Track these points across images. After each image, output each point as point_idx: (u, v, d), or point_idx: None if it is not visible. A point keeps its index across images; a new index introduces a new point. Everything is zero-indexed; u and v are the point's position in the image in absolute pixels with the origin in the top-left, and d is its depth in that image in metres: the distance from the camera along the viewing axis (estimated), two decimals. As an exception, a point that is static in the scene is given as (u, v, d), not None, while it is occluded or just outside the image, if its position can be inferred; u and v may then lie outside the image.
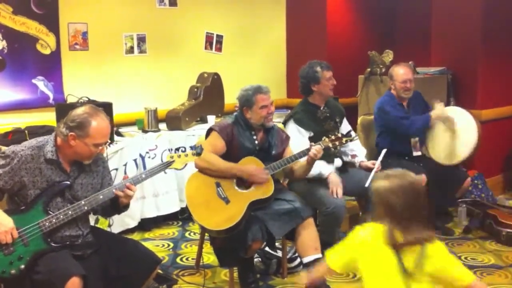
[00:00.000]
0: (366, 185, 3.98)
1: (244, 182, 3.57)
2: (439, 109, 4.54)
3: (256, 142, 3.71)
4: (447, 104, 5.32)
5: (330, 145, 3.66)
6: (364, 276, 2.36)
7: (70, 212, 2.78)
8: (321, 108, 4.20)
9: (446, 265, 2.32)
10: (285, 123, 4.21)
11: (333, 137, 3.69)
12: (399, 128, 4.50)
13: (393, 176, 2.34)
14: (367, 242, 2.35)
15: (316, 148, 3.56)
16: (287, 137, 3.90)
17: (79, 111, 2.84)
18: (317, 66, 4.15)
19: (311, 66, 4.18)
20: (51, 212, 2.77)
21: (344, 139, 3.72)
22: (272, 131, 3.79)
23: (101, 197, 2.85)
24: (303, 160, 3.66)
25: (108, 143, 2.96)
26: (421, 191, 2.32)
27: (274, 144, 3.76)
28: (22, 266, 2.66)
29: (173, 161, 3.03)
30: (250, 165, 3.56)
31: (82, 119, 2.80)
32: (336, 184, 3.88)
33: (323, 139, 3.69)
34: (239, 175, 3.54)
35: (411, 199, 2.28)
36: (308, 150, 3.58)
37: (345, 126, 4.34)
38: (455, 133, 4.50)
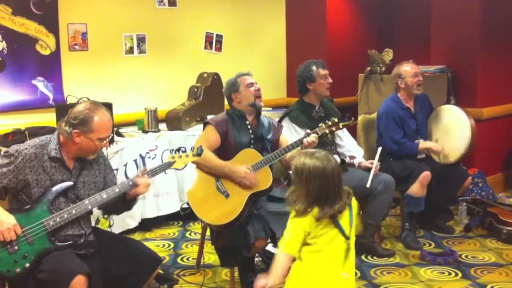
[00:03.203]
0: (368, 185, 3.99)
1: None
2: (433, 145, 4.57)
3: (251, 131, 3.72)
4: (447, 102, 5.33)
5: (327, 131, 3.66)
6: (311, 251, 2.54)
7: (74, 211, 2.80)
8: (316, 108, 4.22)
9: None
10: (280, 120, 4.22)
11: (329, 122, 3.69)
12: (387, 147, 4.47)
13: (317, 158, 2.55)
14: (309, 219, 2.52)
15: (312, 138, 3.57)
16: (280, 126, 3.93)
17: (80, 107, 2.88)
18: (313, 65, 4.19)
19: (306, 65, 4.23)
20: (54, 211, 2.79)
21: (341, 124, 3.70)
22: (262, 120, 3.81)
23: (105, 196, 2.88)
24: (295, 151, 3.67)
25: (110, 137, 2.97)
26: (336, 176, 2.55)
27: (268, 132, 3.78)
28: (27, 265, 2.68)
29: (174, 161, 3.05)
30: (242, 166, 3.53)
31: (84, 115, 2.84)
32: None
33: (320, 125, 3.69)
34: (230, 176, 3.52)
35: (330, 183, 2.52)
36: (304, 138, 3.58)
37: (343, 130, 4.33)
38: (450, 132, 4.52)
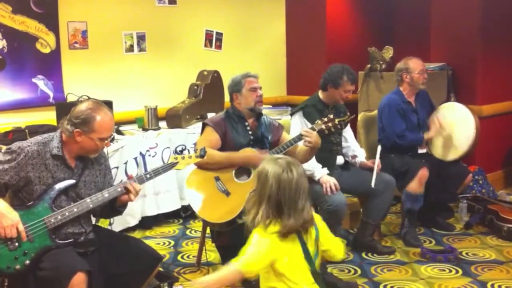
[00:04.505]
0: (372, 185, 3.97)
1: (242, 173, 3.58)
2: (433, 129, 4.56)
3: (250, 132, 3.72)
4: (447, 99, 5.33)
5: (323, 127, 3.62)
6: (283, 271, 2.38)
7: (75, 210, 2.81)
8: (329, 108, 4.20)
9: (327, 233, 2.50)
10: (293, 114, 4.20)
11: (325, 119, 3.66)
12: (390, 140, 4.49)
13: (280, 165, 2.37)
14: (274, 243, 2.36)
15: (307, 130, 3.54)
16: (280, 126, 3.91)
17: (82, 107, 2.88)
18: (345, 75, 4.08)
19: (341, 70, 4.11)
20: (56, 209, 2.79)
21: (337, 120, 3.68)
22: (263, 120, 3.81)
23: (106, 195, 2.88)
24: (302, 143, 3.67)
25: (112, 137, 2.97)
26: (294, 187, 2.36)
27: (268, 132, 3.78)
28: (27, 262, 2.69)
29: (177, 162, 3.06)
30: (248, 152, 3.57)
31: (86, 115, 2.84)
32: (329, 180, 3.85)
33: (316, 122, 3.68)
34: (239, 163, 3.54)
35: (292, 192, 2.34)
36: (301, 134, 3.58)
37: (348, 129, 4.32)
38: (454, 128, 4.52)
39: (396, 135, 4.47)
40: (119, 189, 2.92)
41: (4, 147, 3.40)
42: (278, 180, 2.34)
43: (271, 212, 2.37)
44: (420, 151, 4.60)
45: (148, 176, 3.01)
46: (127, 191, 2.92)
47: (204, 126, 3.76)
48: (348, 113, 4.00)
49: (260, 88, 3.74)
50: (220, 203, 3.45)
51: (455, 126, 4.54)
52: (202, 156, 3.12)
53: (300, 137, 3.59)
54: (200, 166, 3.58)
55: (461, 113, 4.55)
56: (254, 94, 3.69)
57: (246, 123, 3.73)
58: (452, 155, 4.54)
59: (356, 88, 4.26)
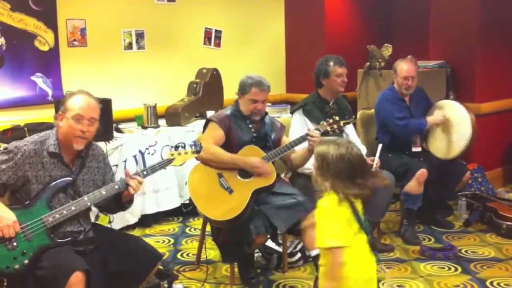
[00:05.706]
0: None
1: (246, 171, 3.58)
2: (437, 116, 4.54)
3: (253, 130, 3.72)
4: (446, 97, 5.33)
5: (328, 128, 3.66)
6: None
7: (73, 208, 2.80)
8: (330, 104, 4.19)
9: None
10: (293, 112, 4.20)
11: (330, 120, 3.70)
12: (392, 127, 4.49)
13: (341, 145, 2.59)
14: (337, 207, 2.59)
15: (313, 131, 3.57)
16: (282, 126, 3.92)
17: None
18: (330, 61, 4.13)
19: (324, 60, 4.16)
20: (54, 208, 2.79)
21: (342, 122, 3.71)
22: (266, 120, 3.80)
23: (104, 192, 2.87)
24: (299, 148, 3.68)
25: (92, 121, 2.89)
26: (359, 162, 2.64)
27: (270, 132, 3.78)
28: (26, 261, 2.68)
29: (174, 158, 3.05)
30: (253, 157, 3.57)
31: (65, 97, 2.93)
32: None
33: (321, 123, 3.70)
34: (243, 167, 3.54)
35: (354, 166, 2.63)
36: (307, 135, 3.59)
37: (350, 127, 4.32)
38: (451, 127, 4.52)
39: (398, 119, 4.45)
40: (116, 187, 2.91)
41: (2, 146, 3.40)
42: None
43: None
44: (415, 149, 4.59)
45: (145, 173, 3.00)
46: (127, 186, 2.92)
47: (208, 122, 3.75)
48: (354, 116, 4.01)
49: (264, 101, 3.70)
50: (223, 200, 3.45)
51: (452, 125, 4.54)
52: (198, 152, 3.11)
53: (304, 137, 3.59)
54: (203, 161, 3.58)
55: (457, 111, 4.54)
56: (252, 105, 3.68)
57: (248, 121, 3.73)
58: (449, 154, 4.54)
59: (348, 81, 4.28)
